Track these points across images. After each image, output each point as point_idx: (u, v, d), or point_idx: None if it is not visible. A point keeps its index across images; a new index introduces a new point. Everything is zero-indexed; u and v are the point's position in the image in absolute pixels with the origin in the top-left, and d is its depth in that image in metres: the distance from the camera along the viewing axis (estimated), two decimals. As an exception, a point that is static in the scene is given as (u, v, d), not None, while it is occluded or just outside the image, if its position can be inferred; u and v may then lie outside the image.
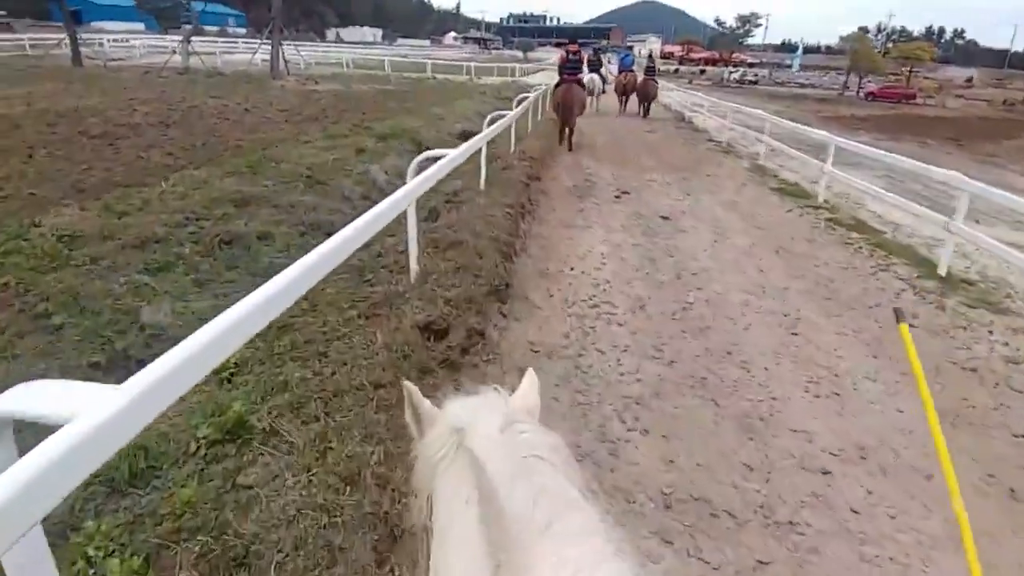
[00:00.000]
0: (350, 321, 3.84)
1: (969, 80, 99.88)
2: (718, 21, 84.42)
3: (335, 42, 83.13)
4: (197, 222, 5.54)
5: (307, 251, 5.51)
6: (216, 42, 44.38)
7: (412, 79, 32.10)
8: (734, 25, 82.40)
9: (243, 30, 76.19)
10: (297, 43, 38.53)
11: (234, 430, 2.73)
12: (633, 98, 20.69)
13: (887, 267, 5.98)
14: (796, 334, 4.32)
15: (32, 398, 1.14)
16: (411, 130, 11.71)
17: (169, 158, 8.66)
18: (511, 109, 10.56)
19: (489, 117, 8.37)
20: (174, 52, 27.16)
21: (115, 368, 3.43)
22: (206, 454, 2.65)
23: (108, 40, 41.14)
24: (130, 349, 3.61)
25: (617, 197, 8.28)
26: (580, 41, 15.39)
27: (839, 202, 8.82)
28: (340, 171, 8.24)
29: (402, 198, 3.58)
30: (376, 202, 7.38)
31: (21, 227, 4.95)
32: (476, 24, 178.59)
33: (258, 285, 4.77)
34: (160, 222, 5.32)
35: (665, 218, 7.26)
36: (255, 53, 29.29)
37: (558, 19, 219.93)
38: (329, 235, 6.30)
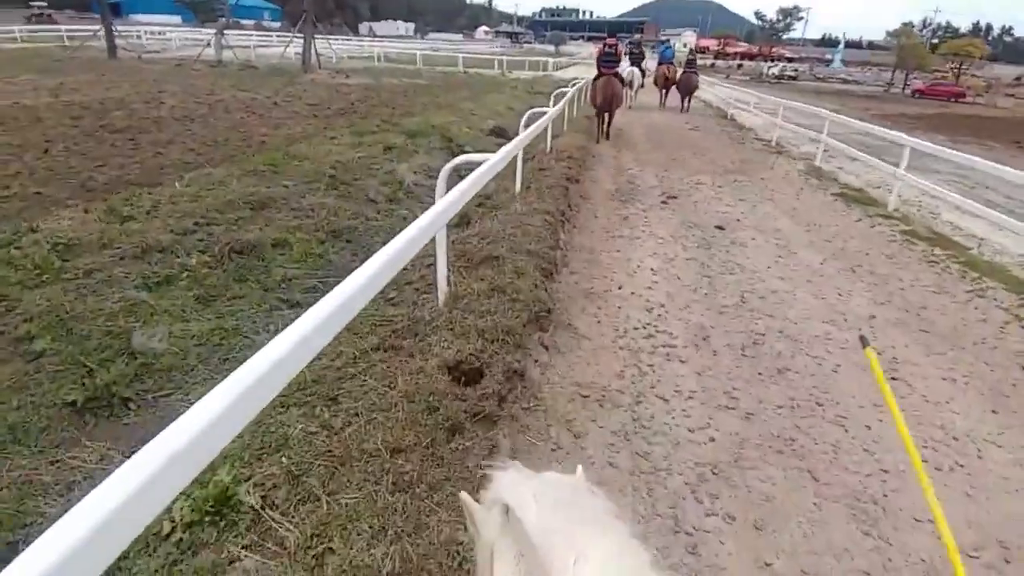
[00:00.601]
0: (366, 354, 3.28)
1: (1018, 79, 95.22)
2: (758, 14, 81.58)
3: (368, 36, 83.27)
4: (207, 227, 5.06)
5: (324, 260, 4.89)
6: (251, 36, 44.81)
7: (443, 73, 31.67)
8: (775, 18, 79.68)
9: (278, 24, 76.78)
10: (330, 37, 38.38)
11: (217, 507, 2.19)
12: (673, 92, 20.29)
13: (983, 291, 5.19)
14: (896, 379, 3.61)
15: None
16: (441, 127, 11.15)
17: (190, 154, 8.26)
18: (544, 104, 9.93)
19: (525, 117, 7.73)
20: (207, 45, 27.18)
21: (93, 410, 2.93)
22: (180, 539, 2.12)
23: (145, 32, 41.81)
24: (115, 384, 3.10)
25: (664, 202, 7.58)
26: (613, 35, 15.26)
27: (911, 211, 7.96)
28: (366, 170, 7.73)
29: (437, 217, 2.93)
30: (402, 205, 6.83)
31: (16, 233, 4.52)
32: (508, 18, 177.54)
33: (268, 301, 4.23)
34: (167, 228, 4.85)
35: (720, 228, 6.54)
36: (287, 46, 29.16)
37: (591, 13, 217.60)
38: (349, 242, 5.72)
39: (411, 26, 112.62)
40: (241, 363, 1.36)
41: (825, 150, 10.85)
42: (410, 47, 51.29)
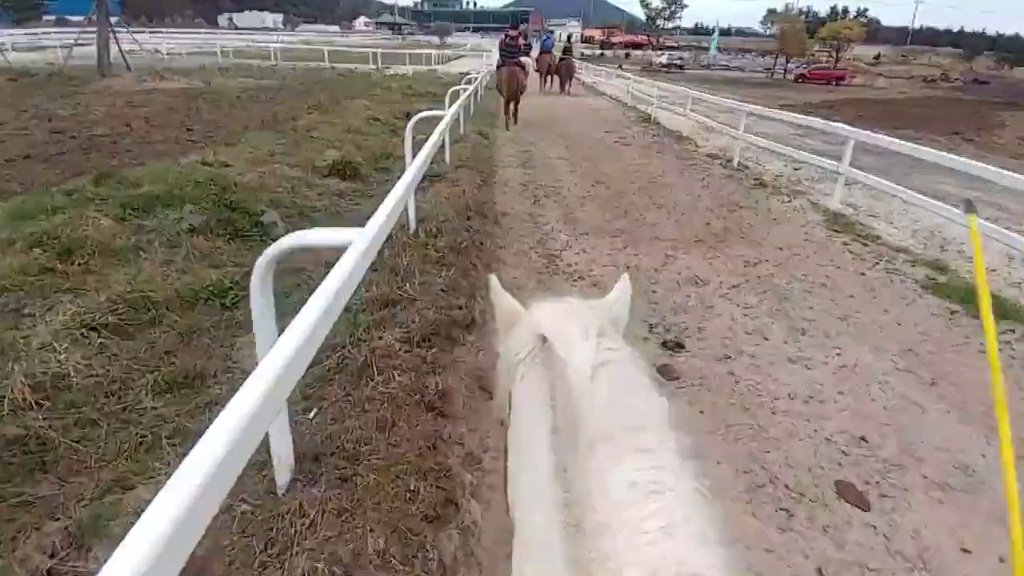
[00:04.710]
0: None
1: (877, 57, 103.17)
2: (644, 3, 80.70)
3: (228, 28, 73.94)
4: None
5: None
6: (69, 32, 36.71)
7: (305, 70, 26.26)
8: (661, 6, 79.27)
9: (115, 18, 65.70)
10: (142, 30, 31.42)
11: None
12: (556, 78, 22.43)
13: None
14: None
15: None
16: (219, 176, 6.09)
17: None
18: (418, 113, 5.35)
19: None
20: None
21: None
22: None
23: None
24: None
25: (666, 368, 3.46)
26: (498, 26, 14.46)
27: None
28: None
29: None
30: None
31: None
32: (389, 8, 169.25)
33: None
34: None
35: (855, 503, 2.50)
36: (73, 46, 22.60)
37: (475, 3, 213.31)
38: None
39: (279, 17, 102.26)
40: None
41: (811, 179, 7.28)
42: (271, 40, 44.50)
